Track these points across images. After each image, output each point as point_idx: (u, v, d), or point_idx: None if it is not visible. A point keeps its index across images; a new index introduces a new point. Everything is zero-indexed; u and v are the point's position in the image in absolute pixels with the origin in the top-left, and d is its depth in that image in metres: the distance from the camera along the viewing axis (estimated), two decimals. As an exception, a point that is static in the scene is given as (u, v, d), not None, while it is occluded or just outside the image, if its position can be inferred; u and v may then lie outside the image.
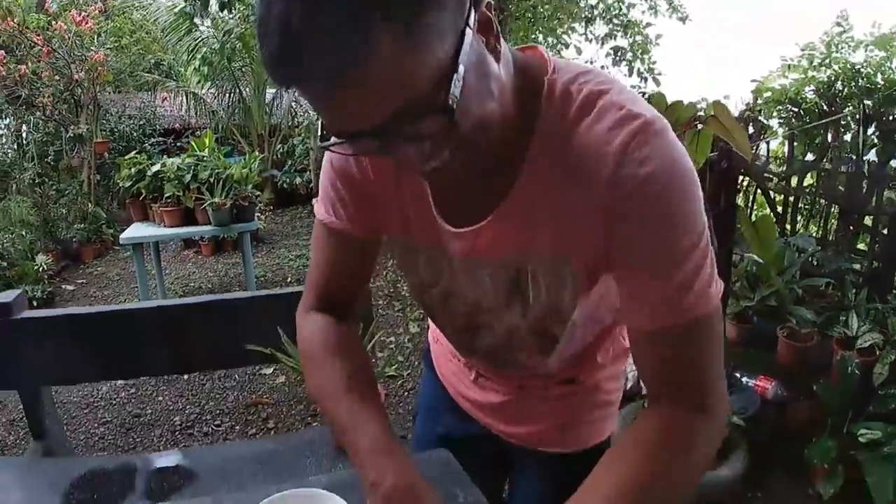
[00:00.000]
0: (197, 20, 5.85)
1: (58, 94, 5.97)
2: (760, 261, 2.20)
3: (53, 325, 1.68)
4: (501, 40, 0.61)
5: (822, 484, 2.12)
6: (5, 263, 4.40)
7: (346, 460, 1.53)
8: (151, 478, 1.49)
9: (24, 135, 6.45)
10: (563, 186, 0.66)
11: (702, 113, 1.70)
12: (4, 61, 5.23)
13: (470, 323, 0.87)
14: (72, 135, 6.02)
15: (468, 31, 0.53)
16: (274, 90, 7.64)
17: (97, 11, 5.99)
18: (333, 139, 0.57)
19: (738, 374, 2.55)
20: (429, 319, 1.13)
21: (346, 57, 0.48)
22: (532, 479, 1.10)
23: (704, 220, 0.65)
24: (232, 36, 5.72)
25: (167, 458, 1.56)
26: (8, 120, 6.22)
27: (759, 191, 3.60)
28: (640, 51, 4.62)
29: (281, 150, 7.46)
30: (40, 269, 4.66)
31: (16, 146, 6.36)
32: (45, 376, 1.71)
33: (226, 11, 4.41)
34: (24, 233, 4.98)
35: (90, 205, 5.95)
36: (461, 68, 0.52)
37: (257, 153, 4.56)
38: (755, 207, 3.74)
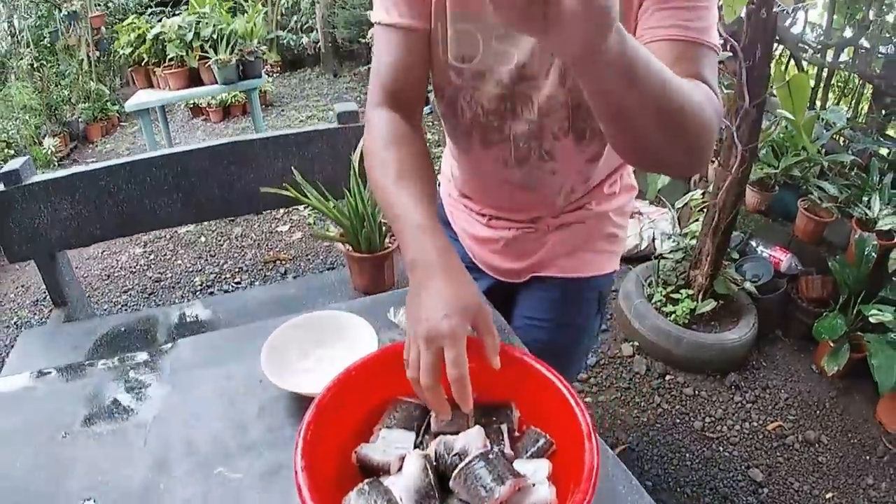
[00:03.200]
0: None
1: (46, -26, 5.65)
2: (791, 117, 2.10)
3: (62, 185, 1.65)
4: None
5: (827, 360, 2.16)
6: (13, 151, 4.33)
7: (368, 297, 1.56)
8: (172, 328, 1.52)
9: (16, 23, 6.17)
10: None
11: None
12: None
13: (502, 103, 0.90)
14: (65, 13, 5.76)
15: None
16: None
17: None
18: None
19: (753, 243, 2.54)
20: (447, 171, 1.18)
21: None
22: (532, 302, 1.17)
23: None
24: None
25: (189, 309, 1.59)
26: (-3, 8, 5.93)
27: (792, 60, 3.42)
28: None
29: (285, 4, 6.97)
30: (49, 152, 4.59)
31: (10, 36, 6.11)
32: (60, 240, 1.69)
33: None
34: (28, 118, 4.87)
35: (92, 83, 5.78)
36: None
37: (260, 6, 4.30)
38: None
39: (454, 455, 0.64)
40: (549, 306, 1.15)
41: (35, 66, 5.61)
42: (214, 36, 3.36)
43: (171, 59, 3.42)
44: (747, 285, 2.26)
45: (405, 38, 0.87)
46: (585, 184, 1.04)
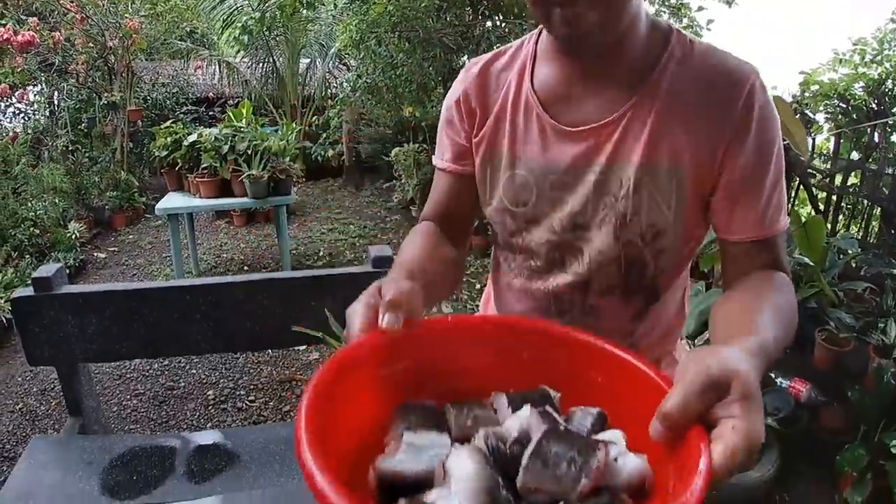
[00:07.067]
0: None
1: (91, 62, 5.96)
2: (806, 260, 2.15)
3: (93, 300, 1.65)
4: None
5: (851, 491, 2.10)
6: (38, 231, 4.40)
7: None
8: (191, 458, 1.49)
9: (56, 102, 6.48)
10: (696, 101, 0.77)
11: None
12: (38, 28, 5.19)
13: (552, 250, 0.89)
14: (105, 102, 6.03)
15: None
16: (308, 60, 7.59)
17: (132, -23, 5.96)
18: None
19: (772, 375, 2.53)
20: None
21: None
22: None
23: None
24: (272, 3, 5.70)
25: (206, 437, 1.56)
26: (40, 87, 6.23)
27: (801, 186, 3.51)
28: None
29: (316, 121, 7.43)
30: (73, 236, 4.66)
31: (48, 113, 6.39)
32: (84, 352, 1.69)
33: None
34: (56, 200, 4.98)
35: (123, 172, 5.95)
36: None
37: (294, 125, 4.54)
38: (797, 203, 3.66)
39: (513, 444, 0.50)
40: None
41: (70, 148, 5.82)
42: (249, 151, 3.50)
43: (204, 168, 3.56)
44: (769, 420, 2.24)
45: (452, 181, 0.95)
46: (627, 344, 0.95)
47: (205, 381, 3.04)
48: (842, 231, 3.34)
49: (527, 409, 0.53)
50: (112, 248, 5.18)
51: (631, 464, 0.49)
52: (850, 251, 2.95)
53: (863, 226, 3.49)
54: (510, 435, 0.51)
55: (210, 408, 2.81)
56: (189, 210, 3.74)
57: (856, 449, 2.17)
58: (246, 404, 2.84)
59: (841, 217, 3.48)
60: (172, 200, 3.61)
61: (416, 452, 0.50)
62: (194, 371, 3.11)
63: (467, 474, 0.46)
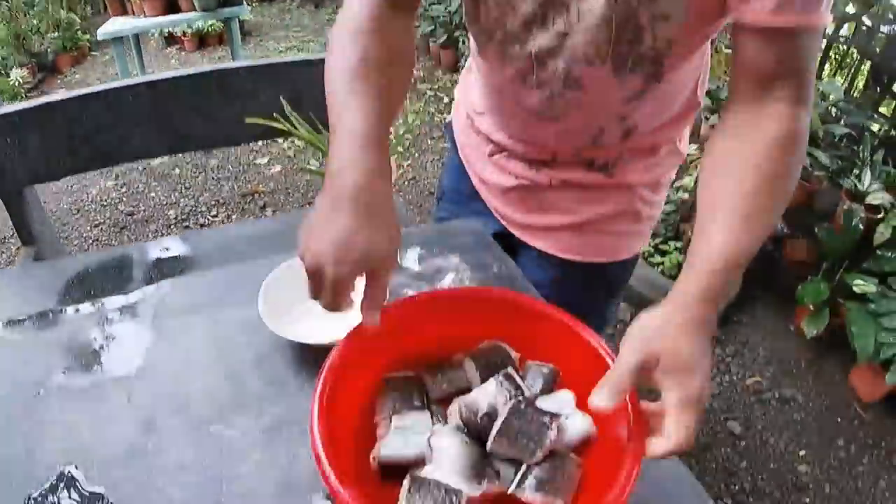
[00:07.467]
0: None
1: None
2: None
3: (31, 117, 1.52)
4: None
5: (807, 323, 2.17)
6: None
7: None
8: (149, 266, 1.42)
9: None
10: None
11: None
12: None
13: (533, 4, 0.74)
14: (37, -63, 5.44)
15: None
16: None
17: None
18: None
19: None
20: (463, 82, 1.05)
21: None
22: (531, 273, 1.00)
23: None
24: None
25: (164, 244, 1.48)
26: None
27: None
28: None
29: None
30: (16, 84, 4.47)
31: None
32: (28, 174, 1.58)
33: None
34: None
35: (63, 12, 5.51)
36: None
37: None
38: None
39: (483, 416, 0.61)
40: (548, 285, 0.98)
41: (3, -6, 5.38)
42: (194, -40, 3.17)
43: (147, -16, 3.24)
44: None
45: None
46: (622, 128, 0.87)
47: (165, 202, 2.98)
48: (827, 78, 3.25)
49: (493, 384, 0.62)
50: (59, 91, 4.87)
51: (578, 424, 0.62)
52: (832, 96, 2.89)
53: (848, 78, 3.41)
54: (480, 408, 0.61)
55: (172, 227, 2.78)
56: (135, 31, 3.44)
57: (818, 283, 2.22)
58: (209, 219, 2.82)
59: (827, 65, 3.38)
60: (116, 24, 3.30)
61: (404, 435, 0.62)
62: (153, 194, 3.03)
63: (456, 453, 0.58)
